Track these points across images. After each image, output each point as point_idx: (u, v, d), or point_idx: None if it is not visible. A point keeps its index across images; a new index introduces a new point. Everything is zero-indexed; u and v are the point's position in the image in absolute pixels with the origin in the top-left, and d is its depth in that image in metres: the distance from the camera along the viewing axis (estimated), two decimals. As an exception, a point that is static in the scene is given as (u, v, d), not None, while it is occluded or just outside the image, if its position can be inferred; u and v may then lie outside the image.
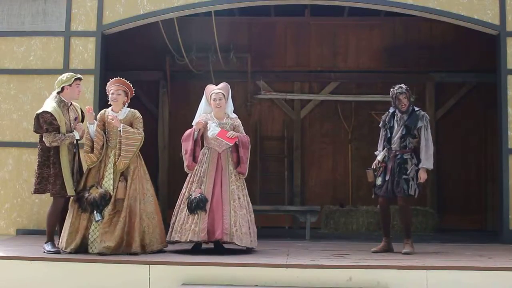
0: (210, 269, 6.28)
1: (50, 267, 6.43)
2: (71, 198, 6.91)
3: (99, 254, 6.63)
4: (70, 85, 6.96)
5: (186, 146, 7.10)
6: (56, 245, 6.93)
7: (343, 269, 6.26)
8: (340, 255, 7.15)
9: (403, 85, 7.36)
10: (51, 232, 6.94)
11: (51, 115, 6.80)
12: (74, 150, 6.98)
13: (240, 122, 7.36)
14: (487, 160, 11.92)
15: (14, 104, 8.99)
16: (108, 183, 6.88)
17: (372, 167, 7.43)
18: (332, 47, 12.41)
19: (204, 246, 7.14)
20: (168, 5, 9.09)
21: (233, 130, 7.16)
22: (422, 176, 7.22)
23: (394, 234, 10.49)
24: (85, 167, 7.09)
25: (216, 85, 7.43)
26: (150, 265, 6.32)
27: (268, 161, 12.45)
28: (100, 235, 6.71)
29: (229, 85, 7.36)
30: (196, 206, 6.86)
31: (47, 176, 6.83)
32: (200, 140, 7.21)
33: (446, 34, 11.85)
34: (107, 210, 6.77)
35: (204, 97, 7.34)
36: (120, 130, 6.89)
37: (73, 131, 6.94)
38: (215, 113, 7.20)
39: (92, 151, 6.92)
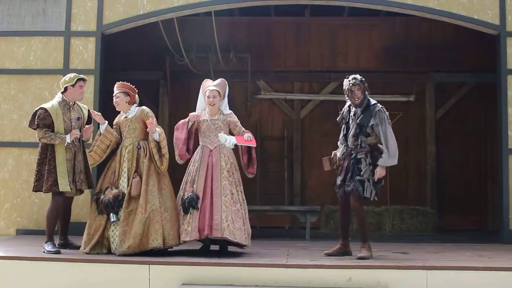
0: (210, 269, 6.28)
1: (50, 267, 6.42)
2: (92, 200, 6.92)
3: (122, 255, 6.57)
4: (73, 85, 7.02)
5: (179, 134, 6.98)
6: (57, 245, 6.96)
7: (343, 269, 6.24)
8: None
9: (357, 76, 6.80)
10: (51, 231, 6.93)
11: (46, 111, 6.89)
12: (75, 149, 6.99)
13: (235, 116, 7.14)
14: (487, 160, 11.93)
15: (14, 104, 8.99)
16: (124, 182, 6.87)
17: (329, 156, 6.98)
18: (332, 47, 12.43)
19: (212, 247, 7.04)
20: (168, 5, 9.09)
21: (228, 127, 7.04)
22: (379, 172, 6.62)
23: (394, 235, 10.62)
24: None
25: None
26: (150, 265, 6.32)
27: (268, 161, 12.45)
28: (120, 236, 6.68)
29: (226, 81, 7.17)
30: (189, 205, 6.75)
31: (44, 173, 6.88)
32: (195, 134, 7.08)
33: (446, 34, 11.85)
34: (122, 209, 6.75)
35: (200, 92, 7.19)
36: (153, 136, 6.88)
37: (72, 129, 6.96)
38: (208, 110, 7.05)
39: (93, 150, 6.96)
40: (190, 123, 7.03)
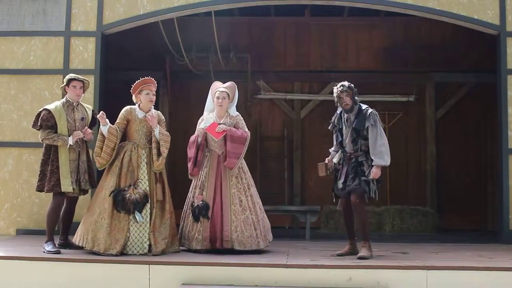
0: (210, 269, 6.28)
1: (50, 267, 6.42)
2: (103, 198, 6.80)
3: (153, 255, 6.65)
4: (67, 86, 7.07)
5: (190, 153, 7.09)
6: (57, 245, 6.95)
7: (343, 269, 6.25)
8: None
9: (345, 83, 6.92)
10: (51, 231, 6.93)
11: (49, 112, 6.92)
12: (79, 149, 7.00)
13: (242, 118, 7.23)
14: (487, 160, 11.92)
15: (14, 104, 8.99)
16: (142, 183, 6.84)
17: (325, 162, 7.09)
18: (332, 47, 12.43)
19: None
20: (168, 5, 9.09)
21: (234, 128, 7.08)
22: (375, 172, 6.75)
23: (394, 235, 10.63)
24: (94, 168, 7.20)
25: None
26: (150, 265, 6.32)
27: (268, 161, 12.46)
28: (151, 238, 6.71)
29: (236, 85, 7.26)
30: (199, 213, 6.89)
31: (46, 173, 6.88)
32: (205, 145, 7.15)
33: (446, 34, 11.85)
34: (147, 212, 6.77)
35: (209, 93, 7.26)
36: (155, 130, 6.89)
37: (76, 130, 6.97)
38: (216, 111, 7.15)
39: (101, 154, 6.89)
40: (199, 139, 7.05)
